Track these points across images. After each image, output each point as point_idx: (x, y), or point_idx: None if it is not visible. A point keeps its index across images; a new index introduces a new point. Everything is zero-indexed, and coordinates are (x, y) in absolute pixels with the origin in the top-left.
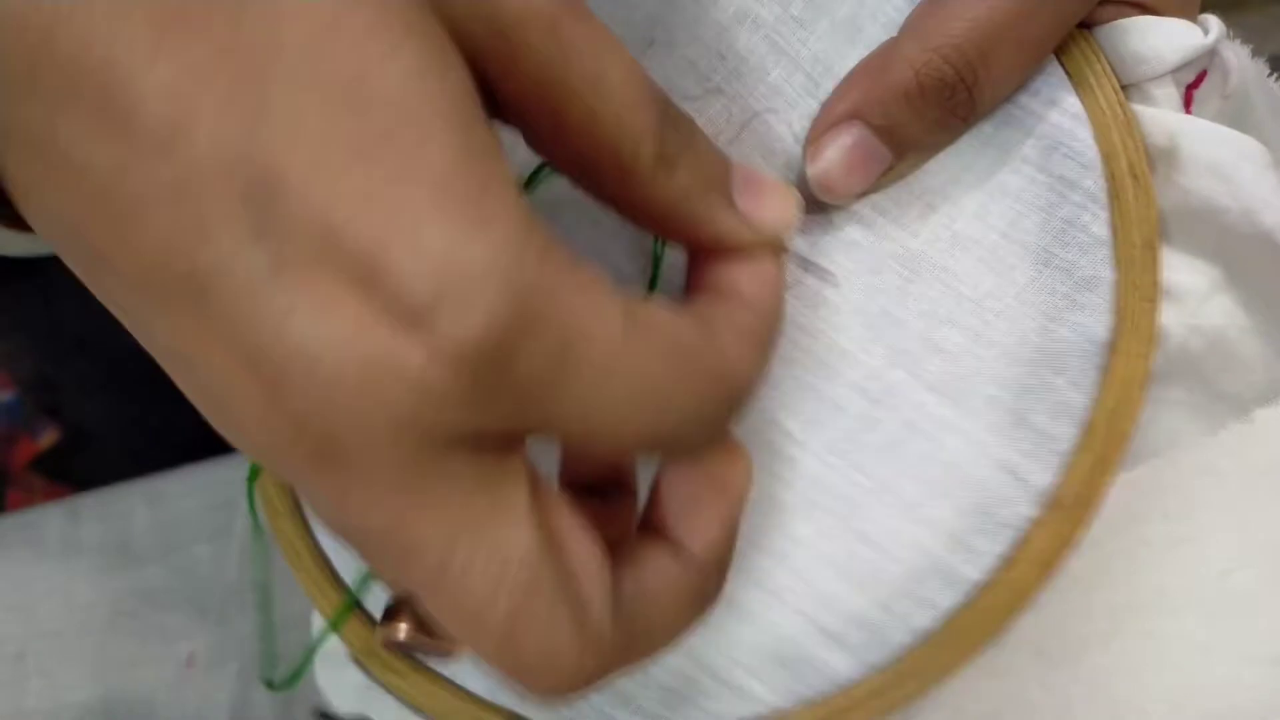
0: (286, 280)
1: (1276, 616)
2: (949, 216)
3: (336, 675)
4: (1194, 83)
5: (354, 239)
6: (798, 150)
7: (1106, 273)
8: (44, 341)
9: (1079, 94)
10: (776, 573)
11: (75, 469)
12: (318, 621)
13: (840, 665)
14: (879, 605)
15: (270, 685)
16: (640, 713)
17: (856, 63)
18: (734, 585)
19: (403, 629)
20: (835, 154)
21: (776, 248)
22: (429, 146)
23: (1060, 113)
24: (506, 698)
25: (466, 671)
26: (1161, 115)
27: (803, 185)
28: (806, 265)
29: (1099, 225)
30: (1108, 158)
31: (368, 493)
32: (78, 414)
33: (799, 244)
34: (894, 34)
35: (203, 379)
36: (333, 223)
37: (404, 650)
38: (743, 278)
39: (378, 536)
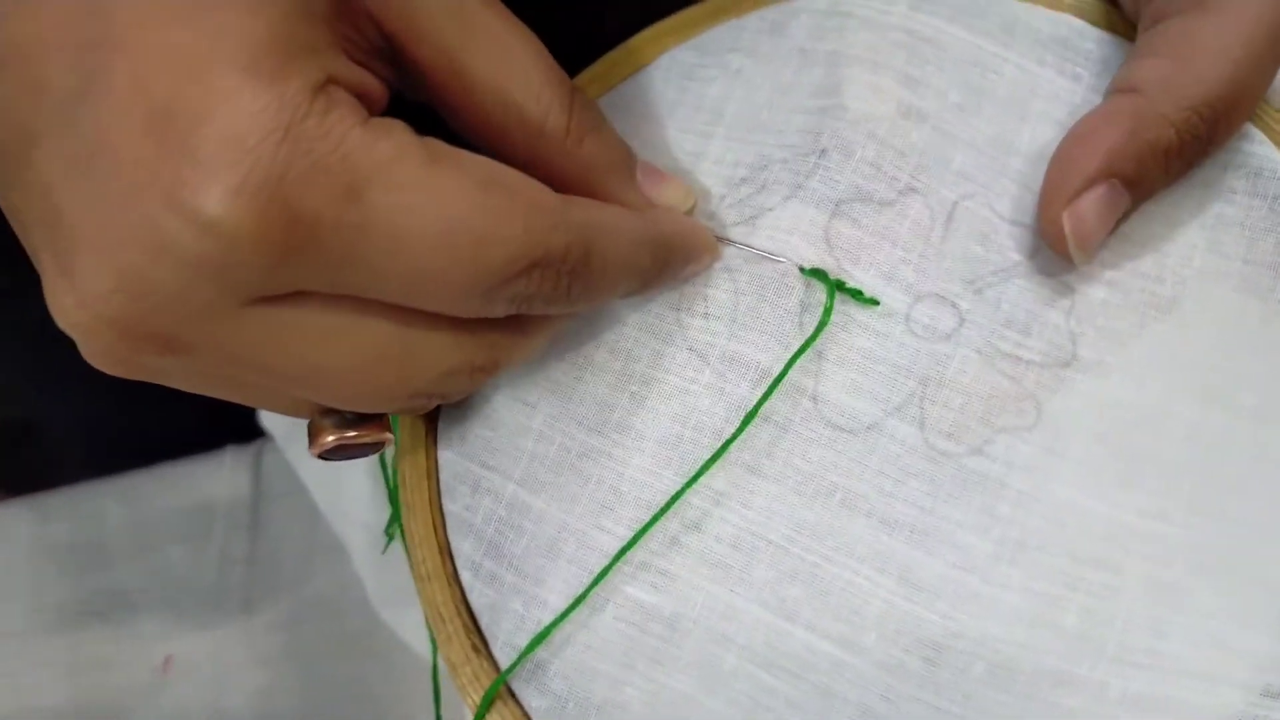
0: (97, 136)
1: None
2: (1184, 257)
3: None
4: None
5: (160, 88)
6: (1008, 228)
7: None
8: None
9: (1252, 122)
10: (1196, 655)
11: (9, 469)
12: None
13: None
14: None
15: None
16: None
17: (1031, 137)
18: (1160, 686)
19: (329, 438)
20: (1092, 209)
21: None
22: (245, 19)
23: (1247, 141)
24: None
25: None
26: None
27: (1030, 258)
28: (1075, 338)
29: None
30: None
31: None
32: (12, 410)
33: (1059, 326)
34: (1059, 107)
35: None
36: (144, 75)
37: (340, 454)
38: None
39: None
